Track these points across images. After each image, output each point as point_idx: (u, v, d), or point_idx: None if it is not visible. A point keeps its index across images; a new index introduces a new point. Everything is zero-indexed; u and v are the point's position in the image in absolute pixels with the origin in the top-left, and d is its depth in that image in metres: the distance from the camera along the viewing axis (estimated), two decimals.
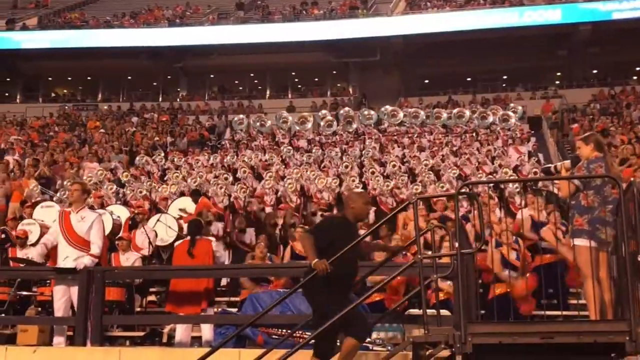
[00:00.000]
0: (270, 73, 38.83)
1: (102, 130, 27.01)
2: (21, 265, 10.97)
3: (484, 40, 32.47)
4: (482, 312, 7.42)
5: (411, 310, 7.95)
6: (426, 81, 37.27)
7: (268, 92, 38.94)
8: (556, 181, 9.35)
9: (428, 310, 5.92)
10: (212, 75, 39.73)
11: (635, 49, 31.09)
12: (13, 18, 39.33)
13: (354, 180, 16.94)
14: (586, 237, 6.19)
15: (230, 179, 18.18)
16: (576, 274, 7.67)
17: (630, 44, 31.24)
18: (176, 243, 10.20)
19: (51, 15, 40.78)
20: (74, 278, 8.16)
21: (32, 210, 14.10)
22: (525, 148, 21.12)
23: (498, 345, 5.43)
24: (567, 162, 7.10)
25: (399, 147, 21.74)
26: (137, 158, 21.77)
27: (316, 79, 39.34)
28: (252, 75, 39.61)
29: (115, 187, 17.99)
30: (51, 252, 8.68)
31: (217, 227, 13.31)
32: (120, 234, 11.94)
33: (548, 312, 7.91)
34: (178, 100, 36.61)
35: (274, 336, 7.82)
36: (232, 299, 11.10)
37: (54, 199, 16.54)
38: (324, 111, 28.38)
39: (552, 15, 32.78)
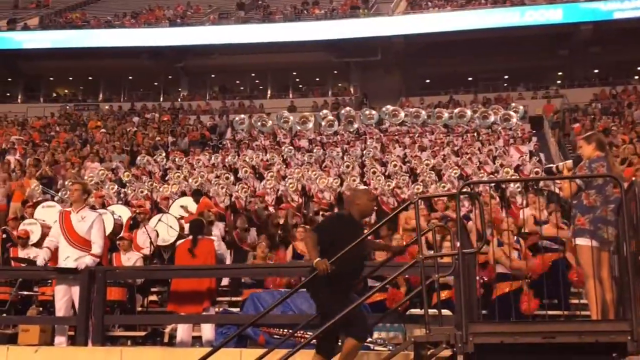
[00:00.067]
0: (271, 73, 38.82)
1: (103, 130, 27.02)
2: (22, 265, 10.98)
3: (485, 39, 32.46)
4: (484, 312, 7.44)
5: (412, 310, 7.95)
6: (427, 81, 37.26)
7: (269, 92, 38.94)
8: (558, 181, 9.34)
9: (429, 310, 5.92)
10: (213, 75, 39.73)
11: (637, 48, 31.06)
12: (14, 18, 39.37)
13: (354, 180, 16.94)
14: (588, 237, 6.19)
15: (232, 178, 18.20)
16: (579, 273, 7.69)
17: (632, 44, 31.21)
18: (178, 242, 10.20)
19: (52, 15, 40.80)
20: (75, 278, 8.17)
21: (34, 210, 14.10)
22: (526, 148, 21.12)
23: (499, 345, 5.43)
24: (569, 162, 7.10)
25: (400, 146, 21.74)
26: (139, 158, 21.79)
27: (317, 79, 39.34)
28: (253, 75, 39.60)
29: (116, 187, 18.02)
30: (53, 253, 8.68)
31: (219, 227, 13.30)
32: (122, 234, 11.94)
33: (550, 312, 7.90)
34: (179, 100, 36.61)
35: (275, 336, 7.82)
36: (234, 298, 11.10)
37: (55, 198, 16.56)
38: (325, 111, 28.39)
39: (553, 15, 32.76)
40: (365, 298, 6.43)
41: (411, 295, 7.44)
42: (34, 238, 11.95)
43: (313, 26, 35.41)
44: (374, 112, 26.58)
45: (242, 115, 28.15)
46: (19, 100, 39.27)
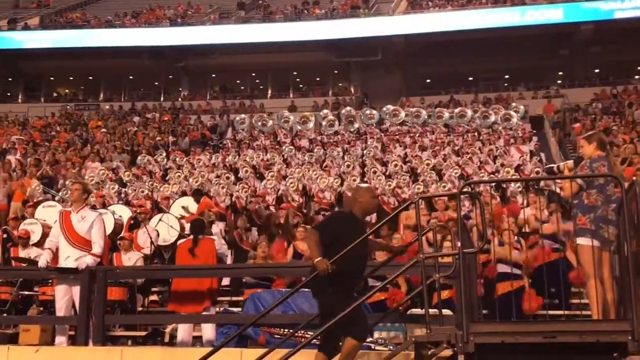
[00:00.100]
0: (271, 73, 38.82)
1: (103, 130, 27.03)
2: (23, 265, 10.98)
3: (485, 39, 32.45)
4: (485, 312, 7.43)
5: (413, 310, 7.95)
6: (428, 80, 37.26)
7: (270, 92, 38.94)
8: (559, 181, 9.34)
9: (430, 310, 5.92)
10: (213, 75, 39.74)
11: (637, 48, 31.05)
12: (15, 18, 39.36)
13: (355, 180, 16.94)
14: (589, 236, 6.19)
15: (232, 178, 18.20)
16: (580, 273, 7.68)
17: (632, 43, 31.20)
18: (179, 242, 10.20)
19: (53, 15, 40.80)
20: (75, 278, 8.16)
21: (34, 210, 14.10)
22: (527, 147, 21.13)
23: (500, 344, 5.43)
24: (570, 162, 7.10)
25: (400, 146, 21.75)
26: (139, 158, 21.80)
27: (318, 79, 39.34)
28: (253, 74, 39.60)
29: (117, 186, 18.03)
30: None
31: (219, 226, 13.30)
32: (122, 234, 11.94)
33: (550, 312, 7.90)
34: (180, 99, 36.62)
35: (276, 336, 7.81)
36: (234, 298, 11.10)
37: (56, 198, 16.56)
38: (325, 111, 28.40)
39: (553, 15, 32.76)
40: (366, 298, 6.43)
41: (412, 295, 7.44)
42: (35, 238, 11.94)
43: (313, 26, 35.41)
44: (374, 111, 26.58)
45: (243, 115, 28.15)
46: (19, 100, 39.28)
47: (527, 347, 5.44)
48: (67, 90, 41.93)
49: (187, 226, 11.68)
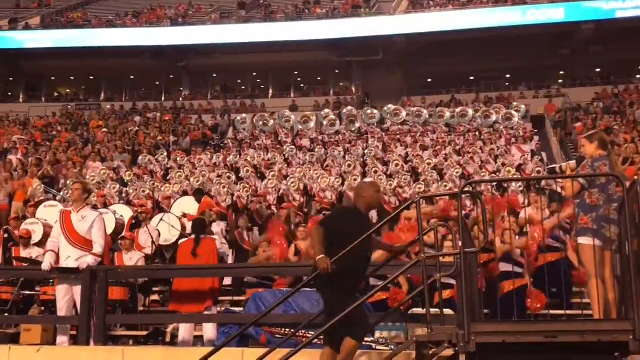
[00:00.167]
0: (272, 72, 38.82)
1: (104, 130, 27.04)
2: (24, 264, 10.98)
3: (486, 39, 32.45)
4: (486, 311, 7.43)
5: (414, 310, 7.94)
6: (429, 80, 37.26)
7: (271, 92, 38.94)
8: (560, 180, 9.33)
9: (431, 309, 5.92)
10: (214, 75, 39.75)
11: (639, 47, 31.03)
12: (16, 17, 39.37)
13: (356, 180, 16.95)
14: (591, 236, 6.19)
15: (233, 178, 18.20)
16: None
17: (634, 43, 31.19)
18: (180, 242, 10.20)
19: (54, 15, 40.82)
20: (76, 278, 8.16)
21: (35, 210, 14.10)
22: (528, 147, 21.14)
23: (501, 344, 5.42)
24: (572, 163, 7.10)
25: (401, 146, 21.75)
26: (140, 157, 21.81)
27: (319, 78, 39.34)
28: (254, 74, 39.61)
29: (118, 186, 18.04)
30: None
31: (220, 226, 13.30)
32: (123, 234, 11.94)
33: (552, 311, 7.90)
34: (181, 99, 36.66)
35: (277, 335, 7.81)
36: (236, 298, 11.10)
37: (57, 198, 16.56)
38: (326, 110, 28.41)
39: (554, 14, 32.76)
40: (367, 297, 6.43)
41: (413, 295, 7.44)
42: (36, 238, 11.94)
43: (314, 25, 35.42)
44: (375, 111, 26.59)
45: (244, 115, 28.16)
46: (20, 100, 39.30)
47: (528, 347, 5.44)
48: (68, 90, 41.95)
49: (189, 225, 11.71)
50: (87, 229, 8.32)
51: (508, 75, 36.62)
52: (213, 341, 8.51)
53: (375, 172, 17.64)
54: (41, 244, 11.30)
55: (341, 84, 39.08)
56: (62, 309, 8.32)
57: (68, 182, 17.79)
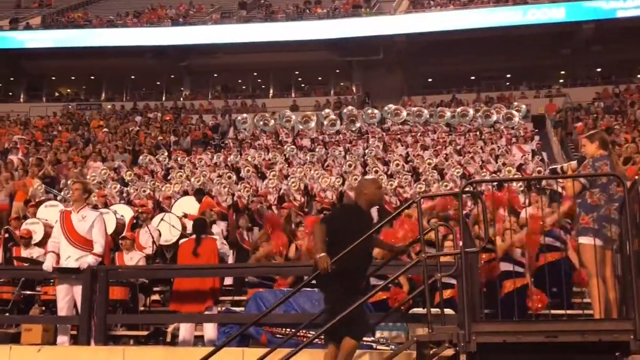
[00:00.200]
0: (273, 72, 38.83)
1: (105, 130, 27.06)
2: (25, 264, 10.98)
3: (487, 38, 32.45)
4: (487, 311, 7.42)
5: (415, 309, 7.94)
6: (430, 80, 37.26)
7: (271, 91, 38.95)
8: (561, 181, 9.32)
9: (432, 309, 5.91)
10: (215, 75, 39.75)
11: (639, 47, 31.02)
12: (16, 17, 39.40)
13: (356, 180, 16.94)
14: (592, 235, 6.19)
15: (234, 178, 18.20)
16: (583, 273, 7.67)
17: (634, 42, 31.17)
18: (181, 242, 10.20)
19: (54, 15, 40.84)
20: (77, 277, 8.16)
21: (36, 210, 14.11)
22: (529, 146, 21.13)
23: (502, 344, 5.42)
24: (574, 163, 7.10)
25: (402, 146, 21.74)
26: (141, 157, 21.82)
27: (319, 78, 39.34)
28: (255, 74, 39.62)
29: (118, 186, 18.04)
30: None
31: (220, 226, 13.30)
32: (125, 233, 11.94)
33: (552, 311, 7.89)
34: (181, 99, 36.67)
35: (277, 335, 7.81)
36: (236, 298, 11.10)
37: (58, 198, 16.57)
38: (327, 110, 28.40)
39: (555, 14, 32.76)
40: (368, 297, 6.42)
41: (414, 295, 7.43)
42: (37, 238, 11.95)
43: (315, 25, 35.43)
44: (376, 111, 26.58)
45: (245, 115, 28.17)
46: (21, 100, 39.33)
47: (529, 347, 5.44)
48: (69, 90, 41.98)
49: (189, 225, 11.71)
50: (87, 229, 8.32)
51: (509, 75, 36.61)
52: (213, 341, 8.51)
53: (376, 171, 17.63)
54: (42, 244, 11.31)
55: (342, 83, 39.08)
56: (62, 309, 8.33)
57: (69, 182, 17.79)
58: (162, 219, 12.75)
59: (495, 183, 14.04)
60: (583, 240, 6.29)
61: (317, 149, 21.69)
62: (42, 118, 31.71)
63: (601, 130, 13.20)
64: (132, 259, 10.88)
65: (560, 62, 35.99)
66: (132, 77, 40.01)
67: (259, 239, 11.20)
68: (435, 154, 19.93)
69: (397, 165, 18.59)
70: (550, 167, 10.48)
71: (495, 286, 8.15)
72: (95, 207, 10.75)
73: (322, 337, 6.32)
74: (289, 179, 17.51)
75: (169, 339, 9.82)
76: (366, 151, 20.91)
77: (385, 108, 26.54)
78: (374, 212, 13.01)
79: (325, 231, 6.04)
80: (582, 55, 34.75)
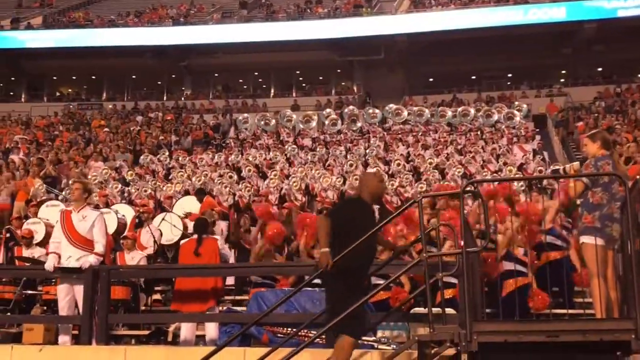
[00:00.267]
0: (274, 72, 38.83)
1: (106, 129, 27.07)
2: (26, 264, 10.99)
3: (488, 38, 32.43)
4: (488, 310, 7.43)
5: (416, 309, 7.94)
6: (431, 79, 37.25)
7: (272, 91, 38.95)
8: (563, 182, 9.31)
9: (433, 309, 5.91)
10: (216, 74, 39.76)
11: None
12: (17, 17, 39.43)
13: (357, 179, 16.94)
14: (594, 235, 6.20)
15: (235, 177, 18.21)
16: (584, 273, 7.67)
17: (636, 42, 31.14)
18: (182, 242, 10.20)
19: (56, 15, 40.84)
20: (78, 277, 8.17)
21: (37, 209, 14.12)
22: (530, 146, 21.11)
23: (503, 343, 5.42)
24: (576, 164, 7.11)
25: (403, 145, 21.74)
26: (142, 157, 21.84)
27: (320, 78, 39.34)
28: (256, 74, 39.62)
29: (120, 186, 18.04)
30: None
31: (220, 225, 13.29)
32: (127, 233, 11.95)
33: (554, 311, 7.89)
34: (182, 99, 36.67)
35: (279, 335, 7.82)
36: (237, 297, 11.10)
37: (59, 197, 16.57)
38: (328, 110, 28.41)
39: (556, 13, 32.74)
40: (369, 297, 6.42)
41: (415, 294, 7.43)
42: (38, 237, 11.97)
43: (316, 25, 35.42)
44: (377, 110, 26.59)
45: (246, 114, 28.18)
46: (22, 100, 39.35)
47: (530, 346, 5.44)
48: (70, 90, 41.99)
49: (190, 225, 11.70)
50: (87, 228, 8.33)
51: (510, 75, 36.60)
52: (215, 340, 8.51)
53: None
54: (43, 243, 11.32)
55: (343, 83, 39.08)
56: (63, 309, 8.33)
57: (70, 181, 17.81)
58: (163, 219, 12.75)
59: (496, 182, 14.04)
60: (585, 239, 6.30)
61: (318, 149, 21.69)
62: (43, 118, 31.73)
63: (603, 129, 13.20)
64: (133, 258, 10.88)
65: (562, 62, 35.97)
66: (133, 76, 40.02)
67: (256, 235, 11.23)
68: (436, 154, 19.93)
69: (398, 164, 18.58)
70: (552, 168, 10.49)
71: (496, 286, 8.16)
72: (96, 207, 10.76)
73: (324, 336, 6.32)
74: (290, 178, 17.51)
75: (170, 338, 9.82)
76: (367, 151, 20.90)
77: (387, 108, 26.54)
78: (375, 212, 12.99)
79: (330, 225, 6.05)
80: (583, 55, 34.73)
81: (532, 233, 8.84)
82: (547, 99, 30.89)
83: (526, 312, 7.83)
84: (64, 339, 8.39)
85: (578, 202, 6.82)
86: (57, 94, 41.46)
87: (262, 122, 26.24)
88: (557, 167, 8.10)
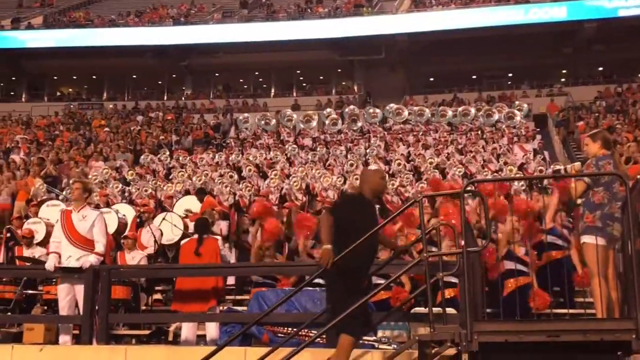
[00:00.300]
0: (275, 71, 38.84)
1: (107, 129, 27.08)
2: (27, 264, 10.99)
3: (489, 37, 32.42)
4: (489, 310, 7.42)
5: (417, 309, 7.94)
6: (431, 79, 37.24)
7: (273, 91, 38.96)
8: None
9: (434, 309, 5.91)
10: (217, 74, 39.76)
11: None
12: (18, 17, 39.45)
13: (358, 179, 16.92)
14: (595, 234, 6.20)
15: (236, 177, 18.20)
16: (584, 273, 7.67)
17: (636, 41, 31.13)
18: (182, 241, 10.20)
19: (56, 14, 40.86)
20: (78, 277, 8.17)
21: (38, 209, 14.13)
22: (530, 146, 21.09)
23: (504, 343, 5.42)
24: (577, 165, 7.12)
25: (404, 145, 21.73)
26: (142, 157, 21.83)
27: (321, 77, 39.34)
28: (257, 73, 39.62)
29: (120, 185, 18.04)
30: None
31: (220, 225, 13.28)
32: (127, 233, 11.95)
33: (554, 310, 7.89)
34: (183, 98, 36.68)
35: (279, 334, 7.82)
36: (238, 297, 11.10)
37: (60, 197, 16.58)
38: (328, 109, 28.40)
39: (557, 13, 32.74)
40: (369, 297, 6.42)
41: (416, 294, 7.43)
42: (39, 237, 11.98)
43: (317, 24, 35.42)
44: (377, 110, 26.57)
45: (246, 114, 28.18)
46: (23, 99, 39.38)
47: (531, 346, 5.44)
48: (70, 90, 42.01)
49: (191, 225, 11.70)
50: (87, 228, 8.33)
51: (510, 74, 36.60)
52: (216, 340, 8.51)
53: None
54: (44, 243, 11.33)
55: (343, 83, 39.08)
56: (63, 308, 8.34)
57: (70, 181, 17.81)
58: (163, 219, 12.75)
59: (497, 182, 14.03)
60: (586, 239, 6.30)
61: (318, 149, 21.68)
62: (43, 117, 31.74)
63: (603, 129, 13.18)
64: (133, 258, 10.89)
65: (562, 61, 35.96)
66: (134, 76, 40.03)
67: (254, 233, 11.24)
68: (436, 153, 19.92)
69: (399, 164, 18.57)
70: (554, 169, 10.49)
71: (497, 285, 8.16)
72: (97, 207, 10.76)
73: (324, 336, 6.32)
74: (290, 178, 17.51)
75: (170, 338, 9.82)
76: (368, 150, 20.89)
77: (387, 107, 26.52)
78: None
79: (332, 221, 6.06)
80: (584, 54, 34.72)
81: (532, 227, 8.83)
82: (548, 99, 30.89)
83: (527, 311, 7.82)
84: (64, 338, 8.39)
85: (579, 201, 6.82)
86: (58, 93, 41.48)
87: (263, 122, 26.22)
88: (559, 168, 8.11)
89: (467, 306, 5.53)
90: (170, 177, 19.25)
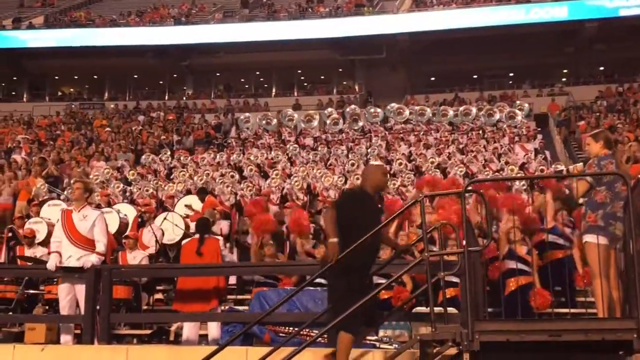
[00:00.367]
0: (276, 71, 38.83)
1: (108, 129, 27.08)
2: (28, 263, 11.00)
3: (490, 37, 32.40)
4: (490, 310, 7.42)
5: (418, 308, 7.94)
6: (432, 78, 37.23)
7: (274, 90, 38.95)
8: (566, 182, 9.32)
9: (435, 308, 5.91)
10: (218, 74, 39.74)
11: None
12: (19, 17, 39.46)
13: (358, 179, 16.93)
14: (597, 233, 6.20)
15: (237, 177, 18.21)
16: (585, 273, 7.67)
17: (638, 41, 31.07)
18: (184, 241, 10.21)
19: (57, 14, 40.86)
20: (79, 277, 8.17)
21: (39, 209, 14.14)
22: (531, 145, 21.10)
23: (505, 343, 5.42)
24: (579, 165, 7.13)
25: (405, 144, 21.74)
26: (144, 156, 21.84)
27: (322, 77, 39.34)
28: (258, 73, 39.62)
29: (121, 185, 18.05)
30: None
31: (221, 225, 13.29)
32: (129, 232, 11.95)
33: (556, 310, 7.89)
34: (184, 98, 36.67)
35: (281, 334, 7.82)
36: (240, 297, 11.11)
37: (61, 197, 16.59)
38: (330, 109, 28.40)
39: (558, 12, 32.71)
40: (369, 297, 6.42)
41: (417, 293, 7.43)
42: (40, 237, 11.99)
43: (318, 24, 35.41)
44: (379, 110, 26.56)
45: (247, 114, 28.18)
46: (24, 99, 39.37)
47: (532, 346, 5.44)
48: (71, 89, 42.02)
49: (192, 225, 11.71)
50: (88, 228, 8.34)
51: (512, 74, 36.57)
52: (217, 340, 8.52)
53: None
54: (45, 243, 11.33)
55: (344, 82, 39.08)
56: (64, 308, 8.34)
57: (72, 181, 17.81)
58: (165, 218, 12.76)
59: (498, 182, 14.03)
60: (588, 238, 6.30)
61: (319, 148, 21.68)
62: (45, 117, 31.73)
63: (605, 129, 13.18)
64: (135, 258, 10.89)
65: (563, 61, 35.94)
66: (135, 76, 40.03)
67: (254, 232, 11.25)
68: (438, 153, 19.92)
69: (400, 164, 18.58)
70: (556, 170, 10.50)
71: (498, 285, 8.16)
72: (98, 207, 10.77)
73: (326, 335, 6.32)
74: (291, 178, 17.51)
75: (172, 337, 9.83)
76: (369, 150, 20.89)
77: (388, 107, 26.51)
78: None
79: (335, 216, 6.09)
80: (585, 54, 34.70)
81: (528, 221, 8.83)
82: (549, 98, 30.87)
83: (528, 311, 7.82)
84: (66, 338, 8.40)
85: (581, 201, 6.82)
86: (59, 93, 41.49)
87: (264, 122, 26.21)
88: (561, 168, 8.11)
89: (469, 305, 5.53)
90: (172, 177, 19.26)
